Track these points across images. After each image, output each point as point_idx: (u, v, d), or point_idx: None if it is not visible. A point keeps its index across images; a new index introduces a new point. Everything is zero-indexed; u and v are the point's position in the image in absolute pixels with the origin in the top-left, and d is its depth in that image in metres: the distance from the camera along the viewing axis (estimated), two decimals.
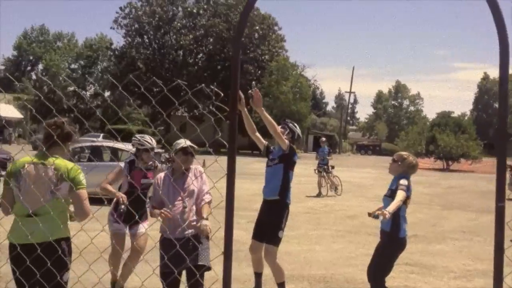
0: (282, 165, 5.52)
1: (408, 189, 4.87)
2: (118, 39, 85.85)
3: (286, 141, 5.47)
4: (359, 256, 8.08)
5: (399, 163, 5.08)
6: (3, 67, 79.10)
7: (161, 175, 4.69)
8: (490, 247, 8.74)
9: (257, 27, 50.81)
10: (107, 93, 59.23)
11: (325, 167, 16.86)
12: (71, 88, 60.05)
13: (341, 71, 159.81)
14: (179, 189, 4.42)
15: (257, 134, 5.75)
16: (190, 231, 4.39)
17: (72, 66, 74.05)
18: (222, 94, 2.62)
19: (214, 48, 50.40)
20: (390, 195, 4.94)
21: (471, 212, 14.17)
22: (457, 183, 24.46)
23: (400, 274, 7.06)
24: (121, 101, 55.07)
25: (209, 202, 4.47)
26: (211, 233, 4.21)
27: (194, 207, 4.48)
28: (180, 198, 4.40)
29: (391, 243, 4.98)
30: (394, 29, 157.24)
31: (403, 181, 4.89)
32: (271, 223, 5.50)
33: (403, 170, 5.05)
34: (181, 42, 52.03)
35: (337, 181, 17.25)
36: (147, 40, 55.04)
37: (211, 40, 51.38)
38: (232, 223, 2.24)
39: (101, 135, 38.33)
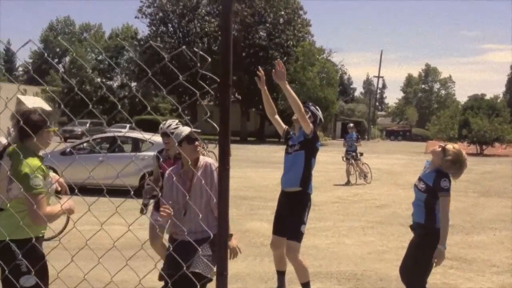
0: (303, 152, 4.97)
1: (449, 189, 4.24)
2: (143, 29, 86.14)
3: (311, 125, 4.91)
4: (392, 249, 7.53)
5: (448, 158, 4.28)
6: (30, 60, 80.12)
7: (169, 169, 4.23)
8: None
9: (282, 12, 49.93)
10: (133, 84, 59.44)
11: (354, 154, 16.25)
12: (98, 80, 60.46)
13: (369, 56, 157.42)
14: (184, 190, 3.97)
15: (277, 117, 5.25)
16: (197, 234, 3.94)
17: (100, 57, 74.54)
18: (209, 59, 2.12)
19: (239, 35, 49.77)
20: (426, 191, 4.28)
21: (509, 199, 13.44)
22: (493, 168, 23.53)
23: (438, 269, 6.44)
24: (147, 92, 55.16)
25: None
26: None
27: (206, 207, 4.02)
28: (187, 197, 3.95)
29: (427, 236, 4.28)
30: (423, 12, 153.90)
31: (445, 184, 4.21)
32: (292, 217, 4.97)
33: (445, 167, 4.32)
34: (206, 30, 51.53)
35: (366, 169, 16.62)
36: (171, 29, 54.72)
37: (236, 26, 50.75)
38: (227, 236, 1.76)
39: (128, 126, 38.29)
